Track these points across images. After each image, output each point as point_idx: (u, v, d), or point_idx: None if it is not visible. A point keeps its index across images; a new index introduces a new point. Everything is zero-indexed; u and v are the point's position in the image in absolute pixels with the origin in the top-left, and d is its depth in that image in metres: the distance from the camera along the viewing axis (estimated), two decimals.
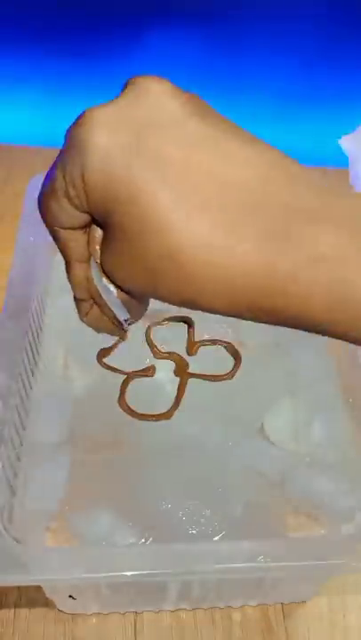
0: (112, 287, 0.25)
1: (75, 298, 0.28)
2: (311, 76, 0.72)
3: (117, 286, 0.25)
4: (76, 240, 0.25)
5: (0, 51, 0.71)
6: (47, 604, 0.40)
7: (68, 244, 0.25)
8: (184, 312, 0.48)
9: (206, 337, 0.47)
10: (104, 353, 0.45)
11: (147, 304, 0.28)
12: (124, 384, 0.43)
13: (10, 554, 0.30)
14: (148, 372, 0.44)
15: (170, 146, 0.20)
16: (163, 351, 0.45)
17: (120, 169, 0.20)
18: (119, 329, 0.29)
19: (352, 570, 0.32)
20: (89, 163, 0.20)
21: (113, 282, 0.24)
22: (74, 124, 0.21)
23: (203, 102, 0.22)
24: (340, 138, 0.56)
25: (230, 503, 0.38)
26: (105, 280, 0.25)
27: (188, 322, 0.47)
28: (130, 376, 0.43)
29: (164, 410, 0.42)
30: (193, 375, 0.44)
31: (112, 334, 0.30)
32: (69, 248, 0.25)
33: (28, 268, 0.44)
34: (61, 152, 0.22)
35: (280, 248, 0.19)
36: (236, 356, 0.45)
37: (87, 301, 0.27)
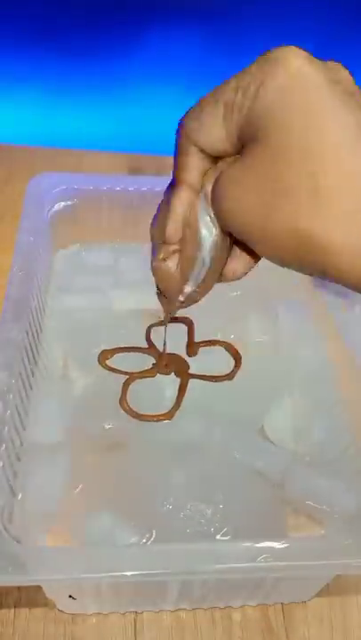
0: (214, 228, 0.25)
1: (153, 240, 0.28)
2: None
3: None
4: (199, 164, 0.25)
5: (0, 51, 0.71)
6: (47, 603, 0.40)
7: (190, 164, 0.25)
8: (184, 313, 0.48)
9: (206, 338, 0.47)
10: (106, 355, 0.45)
11: (207, 290, 0.29)
12: (126, 385, 0.43)
13: (10, 554, 0.30)
14: (150, 372, 0.44)
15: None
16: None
17: (306, 93, 0.20)
18: (172, 302, 0.29)
19: (352, 570, 0.32)
20: (280, 71, 0.21)
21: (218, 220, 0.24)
22: (266, 53, 0.22)
23: None
24: None
25: (230, 503, 0.38)
26: (209, 217, 0.25)
27: (188, 323, 0.47)
28: (131, 377, 0.43)
29: (164, 410, 0.42)
30: (193, 376, 0.44)
31: (164, 304, 0.30)
32: (190, 169, 0.25)
33: (28, 268, 0.44)
34: (242, 71, 0.22)
35: None
36: (237, 356, 0.45)
37: (172, 245, 0.27)
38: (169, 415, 0.42)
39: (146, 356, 0.45)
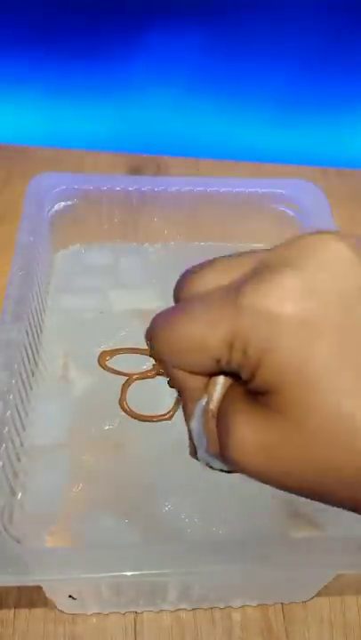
0: (205, 440, 0.22)
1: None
2: (313, 79, 0.72)
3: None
4: (195, 382, 0.22)
5: (0, 51, 0.71)
6: (47, 603, 0.40)
7: (186, 384, 0.22)
8: None
9: None
10: (105, 356, 0.45)
11: None
12: (126, 385, 0.43)
13: (10, 554, 0.30)
14: (150, 373, 0.44)
15: None
16: None
17: (321, 354, 0.17)
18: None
19: (352, 570, 0.32)
20: (281, 342, 0.17)
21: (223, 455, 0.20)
22: (257, 293, 0.18)
23: None
24: (341, 140, 0.55)
25: (231, 504, 0.38)
26: (205, 436, 0.22)
27: None
28: (131, 378, 0.43)
29: (164, 411, 0.42)
30: None
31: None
32: (187, 388, 0.22)
33: (28, 268, 0.44)
34: (222, 308, 0.18)
35: None
36: None
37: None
38: (169, 416, 0.42)
39: (145, 356, 0.45)
